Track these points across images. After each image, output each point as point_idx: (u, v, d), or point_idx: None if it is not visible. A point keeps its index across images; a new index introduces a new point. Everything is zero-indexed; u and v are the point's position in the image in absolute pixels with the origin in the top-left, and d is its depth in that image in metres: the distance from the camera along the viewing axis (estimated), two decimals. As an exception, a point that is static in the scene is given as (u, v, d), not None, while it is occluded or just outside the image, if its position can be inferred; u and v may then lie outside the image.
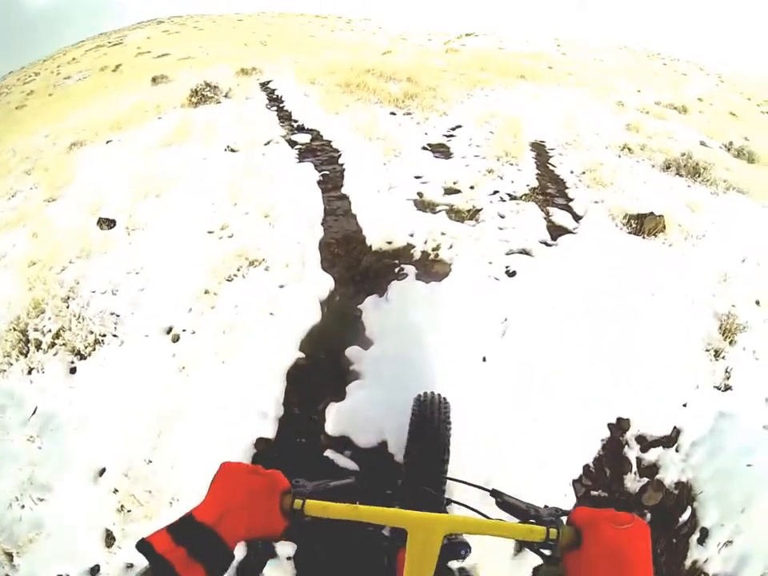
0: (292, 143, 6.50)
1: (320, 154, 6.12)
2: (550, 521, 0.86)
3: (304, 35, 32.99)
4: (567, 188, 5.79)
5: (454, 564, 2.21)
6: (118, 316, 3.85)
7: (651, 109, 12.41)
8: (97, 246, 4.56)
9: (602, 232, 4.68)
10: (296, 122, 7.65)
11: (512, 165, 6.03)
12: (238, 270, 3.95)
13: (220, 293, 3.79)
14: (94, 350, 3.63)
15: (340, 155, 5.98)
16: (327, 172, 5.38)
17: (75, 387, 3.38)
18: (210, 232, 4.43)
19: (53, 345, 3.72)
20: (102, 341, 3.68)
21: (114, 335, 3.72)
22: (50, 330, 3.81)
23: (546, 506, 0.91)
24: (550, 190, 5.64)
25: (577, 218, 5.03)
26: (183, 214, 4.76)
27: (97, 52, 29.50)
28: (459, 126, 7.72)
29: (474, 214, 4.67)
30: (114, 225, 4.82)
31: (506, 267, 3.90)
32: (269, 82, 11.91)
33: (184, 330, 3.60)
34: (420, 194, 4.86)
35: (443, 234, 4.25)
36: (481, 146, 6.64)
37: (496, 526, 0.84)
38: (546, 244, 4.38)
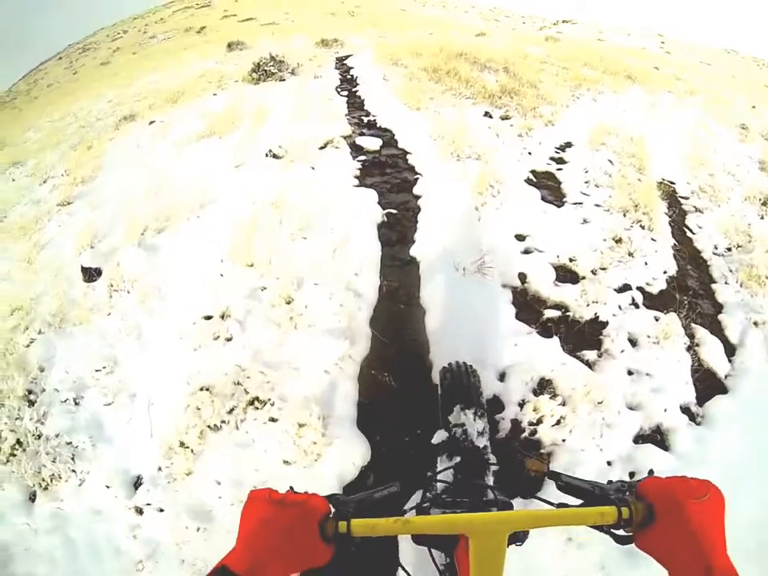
0: (355, 149, 4.80)
1: (390, 172, 4.41)
2: (618, 498, 0.76)
3: (394, 8, 30.74)
4: (714, 281, 3.91)
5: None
6: (75, 447, 2.49)
7: (776, 136, 9.70)
8: (73, 311, 3.14)
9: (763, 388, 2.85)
10: (367, 114, 5.92)
11: (643, 227, 4.12)
12: (231, 411, 2.41)
13: (200, 448, 2.28)
14: (50, 483, 2.35)
15: (416, 180, 4.26)
16: (395, 211, 3.74)
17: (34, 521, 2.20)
18: (206, 318, 2.88)
19: (7, 461, 2.47)
20: (60, 476, 2.36)
21: (73, 470, 2.40)
22: (5, 439, 2.54)
23: (609, 481, 0.83)
24: (692, 282, 3.80)
25: (731, 349, 3.24)
26: (179, 273, 3.23)
27: (184, 13, 28.70)
28: (569, 145, 5.73)
29: (595, 333, 2.92)
30: (98, 277, 3.38)
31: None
32: (347, 58, 10.22)
33: (148, 504, 2.14)
34: (523, 278, 3.15)
35: (549, 385, 2.54)
36: (600, 185, 4.70)
37: (563, 515, 0.76)
38: (693, 419, 2.72)
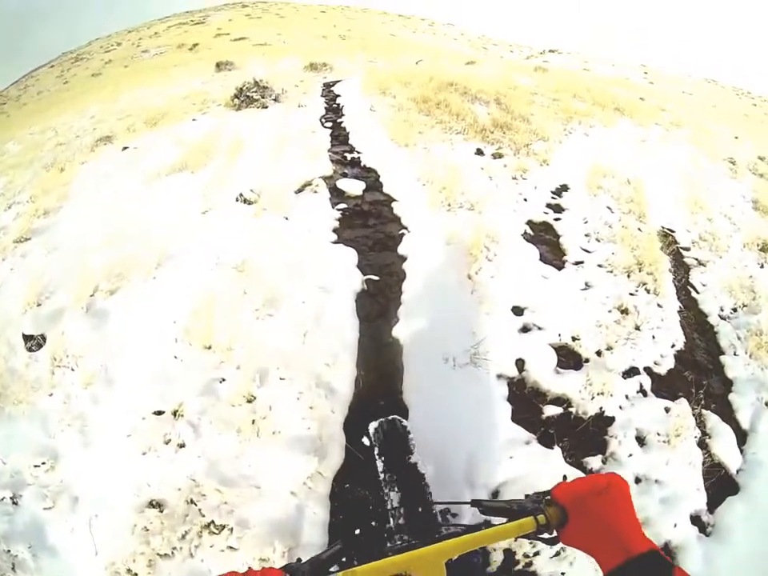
0: (336, 194, 4.33)
1: (372, 224, 3.94)
2: (534, 509, 0.84)
3: (385, 34, 30.70)
4: (722, 352, 3.56)
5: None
6: (14, 557, 1.98)
7: (762, 169, 9.52)
8: (13, 385, 2.61)
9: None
10: (351, 150, 5.46)
11: (648, 290, 3.74)
12: (184, 536, 1.91)
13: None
14: None
15: (402, 236, 3.80)
16: (376, 277, 3.23)
17: None
18: (157, 413, 2.38)
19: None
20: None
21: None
22: None
23: (526, 495, 0.91)
24: (700, 356, 3.45)
25: (742, 435, 2.90)
26: (129, 351, 2.71)
27: (179, 29, 28.28)
28: (566, 188, 5.35)
29: (601, 433, 2.50)
30: (41, 344, 2.84)
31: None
32: (334, 84, 9.84)
33: None
34: (521, 366, 2.72)
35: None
36: (602, 239, 4.32)
37: (489, 534, 0.82)
38: (703, 529, 2.36)
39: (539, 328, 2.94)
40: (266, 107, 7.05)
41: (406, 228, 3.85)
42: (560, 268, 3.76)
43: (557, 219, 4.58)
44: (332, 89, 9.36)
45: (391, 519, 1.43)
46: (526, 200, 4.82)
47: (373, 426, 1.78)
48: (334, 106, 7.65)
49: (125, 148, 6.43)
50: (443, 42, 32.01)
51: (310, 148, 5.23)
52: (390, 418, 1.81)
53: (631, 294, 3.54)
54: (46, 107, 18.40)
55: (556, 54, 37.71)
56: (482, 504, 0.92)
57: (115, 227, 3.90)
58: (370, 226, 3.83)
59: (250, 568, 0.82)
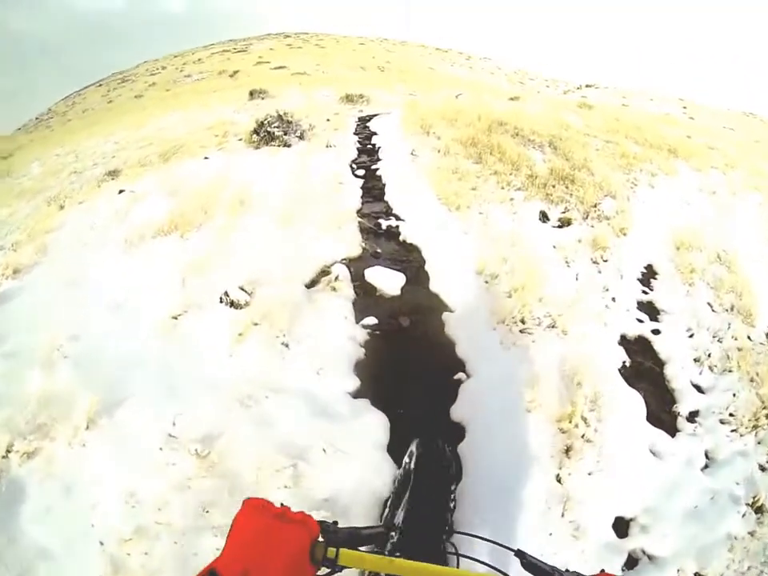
0: (363, 293, 2.96)
1: (416, 357, 2.50)
2: None
3: (423, 66, 29.74)
4: None
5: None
6: None
7: None
8: None
9: None
10: (387, 213, 4.10)
11: None
12: None
13: None
14: None
15: (458, 385, 2.38)
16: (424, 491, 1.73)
17: None
18: None
19: None
20: None
21: None
22: None
23: (567, 570, 0.81)
24: None
25: None
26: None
27: (222, 56, 27.92)
28: (654, 274, 3.96)
29: None
30: None
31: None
32: (370, 119, 8.58)
33: None
34: None
35: None
36: (715, 365, 3.00)
37: None
38: None
39: (650, 558, 1.84)
40: (289, 146, 5.76)
41: (464, 370, 2.40)
42: (674, 432, 2.50)
43: (655, 332, 3.22)
44: (368, 124, 8.09)
45: (394, 535, 1.22)
46: (614, 299, 3.39)
47: (417, 440, 1.54)
48: (369, 146, 6.33)
49: (121, 191, 5.20)
50: (481, 76, 30.88)
51: (334, 210, 3.86)
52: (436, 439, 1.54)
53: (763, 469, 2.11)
54: (86, 126, 17.86)
55: (593, 88, 36.17)
56: (526, 557, 0.82)
57: (64, 336, 2.59)
58: (412, 361, 2.37)
59: (286, 506, 0.74)
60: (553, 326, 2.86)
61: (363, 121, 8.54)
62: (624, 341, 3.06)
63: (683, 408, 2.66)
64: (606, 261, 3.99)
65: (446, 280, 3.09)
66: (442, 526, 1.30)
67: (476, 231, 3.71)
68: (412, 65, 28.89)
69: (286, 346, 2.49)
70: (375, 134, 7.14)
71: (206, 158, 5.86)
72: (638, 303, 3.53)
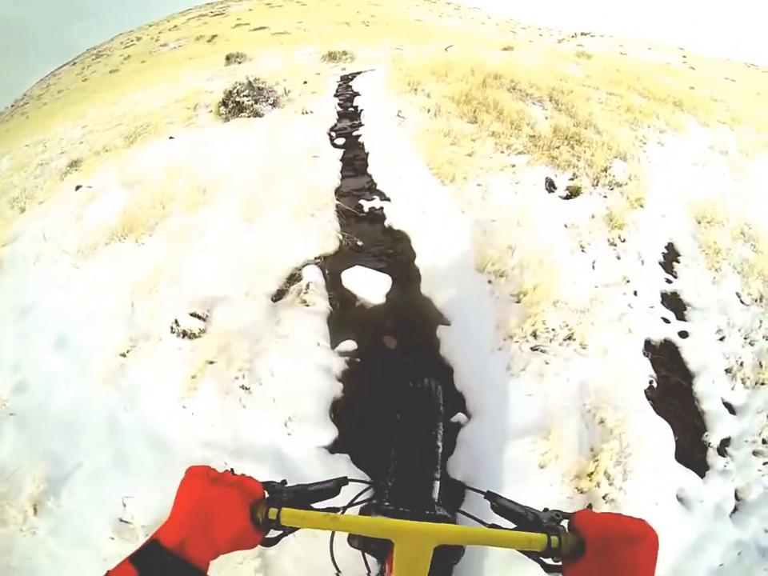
0: (341, 304, 2.37)
1: (402, 386, 1.92)
2: (550, 527, 0.69)
3: (411, 19, 27.91)
4: None
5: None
6: None
7: None
8: None
9: None
10: (370, 190, 3.45)
11: None
12: None
13: None
14: None
15: (457, 430, 1.95)
16: None
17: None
18: None
19: None
20: None
21: None
22: None
23: (545, 509, 0.74)
24: None
25: None
26: None
27: (198, 20, 26.17)
28: (677, 257, 3.46)
29: None
30: None
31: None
32: (353, 77, 7.77)
33: None
34: None
35: None
36: (747, 377, 2.56)
37: (492, 535, 0.68)
38: None
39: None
40: (261, 115, 5.05)
41: (464, 409, 1.89)
42: (703, 470, 2.06)
43: (683, 335, 2.73)
44: (350, 84, 7.28)
45: (387, 480, 1.17)
46: (636, 293, 2.86)
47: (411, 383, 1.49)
48: (351, 109, 5.59)
49: (78, 187, 4.55)
50: (471, 27, 29.06)
51: (308, 191, 3.22)
52: (425, 379, 1.48)
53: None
54: (59, 109, 16.80)
55: (589, 36, 34.24)
56: (497, 499, 0.75)
57: (11, 372, 2.11)
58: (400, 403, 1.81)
59: (231, 470, 0.72)
60: (570, 338, 2.32)
61: (345, 80, 7.72)
62: (649, 348, 2.56)
63: (714, 437, 2.23)
64: (623, 241, 3.41)
65: (441, 279, 2.51)
66: (430, 473, 1.21)
67: (475, 209, 3.09)
68: (399, 17, 27.09)
69: (247, 389, 1.96)
70: (358, 94, 6.37)
71: (170, 137, 5.16)
72: (662, 296, 3.01)
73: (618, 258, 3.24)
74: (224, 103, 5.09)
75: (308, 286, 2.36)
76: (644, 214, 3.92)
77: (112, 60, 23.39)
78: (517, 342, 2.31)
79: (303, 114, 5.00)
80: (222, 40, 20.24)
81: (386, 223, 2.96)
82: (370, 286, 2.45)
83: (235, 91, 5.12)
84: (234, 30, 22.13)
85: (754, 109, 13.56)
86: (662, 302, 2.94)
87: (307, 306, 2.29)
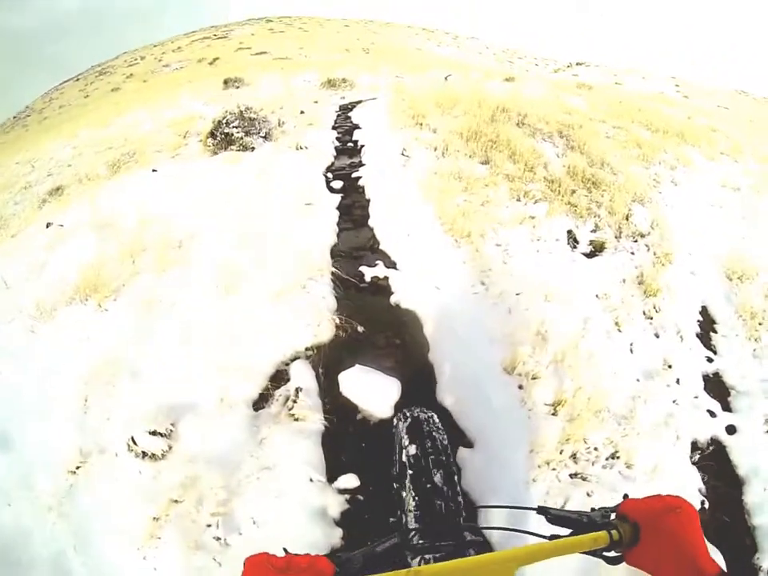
0: (335, 420, 1.82)
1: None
2: (605, 523, 0.71)
3: (410, 47, 27.93)
4: None
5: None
6: None
7: None
8: None
9: None
10: (371, 249, 2.89)
11: None
12: None
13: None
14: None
15: None
16: None
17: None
18: None
19: None
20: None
21: None
22: None
23: (593, 509, 0.77)
24: None
25: None
26: None
27: (202, 43, 26.01)
28: (713, 325, 3.07)
29: None
30: None
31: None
32: (353, 107, 7.33)
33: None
34: None
35: None
36: None
37: (561, 545, 0.67)
38: None
39: None
40: (251, 149, 4.52)
41: None
42: None
43: (730, 430, 2.31)
44: (350, 114, 6.82)
45: (405, 518, 1.15)
46: (679, 381, 2.45)
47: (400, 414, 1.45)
48: (350, 144, 5.09)
49: (48, 224, 4.00)
50: (469, 56, 29.13)
51: (298, 253, 2.66)
52: (420, 410, 1.45)
53: None
54: (56, 125, 16.35)
55: (583, 66, 34.50)
56: (550, 512, 0.75)
57: None
58: None
59: (285, 550, 0.65)
60: (614, 457, 1.80)
61: (345, 110, 7.27)
62: (696, 450, 2.11)
63: (766, 560, 1.80)
64: (659, 311, 2.90)
65: (461, 384, 1.94)
66: (456, 509, 1.16)
67: (496, 279, 2.54)
68: (398, 45, 27.08)
69: (223, 542, 1.40)
70: (358, 127, 5.89)
71: (153, 170, 4.62)
72: (705, 380, 2.56)
73: (657, 335, 2.75)
74: (212, 134, 4.57)
75: (297, 392, 1.80)
76: (674, 272, 3.48)
77: (114, 78, 23.06)
78: (554, 468, 1.77)
79: (298, 149, 4.48)
80: (224, 63, 19.97)
81: (392, 300, 2.40)
82: (374, 393, 1.87)
83: (225, 121, 4.60)
84: (235, 54, 21.92)
85: (751, 137, 13.29)
86: (706, 388, 2.51)
87: (297, 420, 1.72)
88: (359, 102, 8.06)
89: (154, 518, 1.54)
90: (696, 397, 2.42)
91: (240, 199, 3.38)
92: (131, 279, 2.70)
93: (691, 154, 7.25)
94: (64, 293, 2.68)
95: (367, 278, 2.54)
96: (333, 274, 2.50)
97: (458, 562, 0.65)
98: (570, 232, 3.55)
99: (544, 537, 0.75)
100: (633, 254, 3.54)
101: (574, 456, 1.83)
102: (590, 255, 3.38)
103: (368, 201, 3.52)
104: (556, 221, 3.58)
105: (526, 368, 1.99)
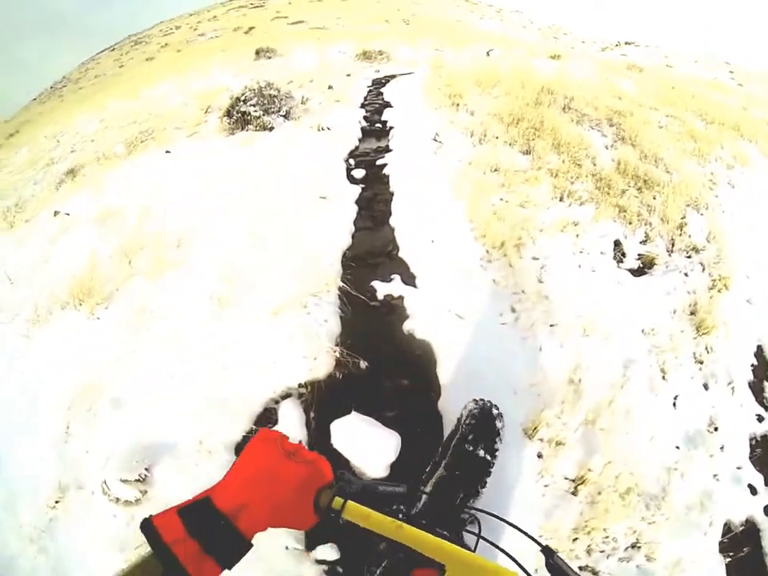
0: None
1: None
2: None
3: (451, 19, 26.54)
4: None
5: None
6: None
7: None
8: None
9: None
10: (389, 256, 2.47)
11: None
12: None
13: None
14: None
15: None
16: None
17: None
18: None
19: None
20: None
21: None
22: None
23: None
24: None
25: None
26: None
27: (238, 12, 25.34)
28: (766, 369, 2.60)
29: None
30: None
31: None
32: (387, 82, 6.82)
33: None
34: None
35: None
36: None
37: None
38: None
39: None
40: (271, 129, 4.12)
41: None
42: None
43: None
44: (382, 90, 6.31)
45: (419, 502, 1.14)
46: (723, 448, 2.08)
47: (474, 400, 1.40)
48: (378, 125, 4.62)
49: (56, 213, 3.78)
50: (512, 30, 27.54)
51: (306, 258, 2.27)
52: (484, 401, 1.39)
53: None
54: (90, 95, 16.25)
55: (633, 46, 32.23)
56: (553, 556, 0.67)
57: None
58: None
59: (300, 443, 0.64)
60: (635, 547, 1.49)
61: (377, 85, 6.75)
62: (727, 536, 1.72)
63: None
64: (710, 352, 2.43)
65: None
66: (469, 499, 1.15)
67: (529, 304, 2.10)
68: (439, 17, 25.74)
69: None
70: (389, 105, 5.39)
71: (167, 151, 4.29)
72: (751, 444, 2.14)
73: (706, 386, 2.31)
74: (228, 113, 4.18)
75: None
76: (730, 300, 2.98)
77: (150, 48, 22.78)
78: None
79: (319, 130, 4.05)
80: (260, 32, 19.40)
81: (406, 327, 2.00)
82: (369, 448, 1.52)
83: (243, 99, 4.19)
84: (271, 23, 21.26)
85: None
86: (752, 455, 2.11)
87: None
88: (393, 76, 7.53)
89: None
90: (739, 467, 2.03)
91: (249, 190, 3.00)
92: (126, 283, 2.42)
93: (748, 151, 6.53)
94: (59, 296, 2.45)
95: (380, 296, 2.15)
96: (340, 289, 2.12)
97: (438, 541, 0.60)
98: (617, 243, 3.05)
99: (524, 569, 0.67)
100: (686, 275, 3.04)
101: (588, 548, 1.45)
102: (638, 272, 2.90)
103: (392, 194, 3.09)
104: (602, 227, 3.10)
105: (550, 432, 1.60)
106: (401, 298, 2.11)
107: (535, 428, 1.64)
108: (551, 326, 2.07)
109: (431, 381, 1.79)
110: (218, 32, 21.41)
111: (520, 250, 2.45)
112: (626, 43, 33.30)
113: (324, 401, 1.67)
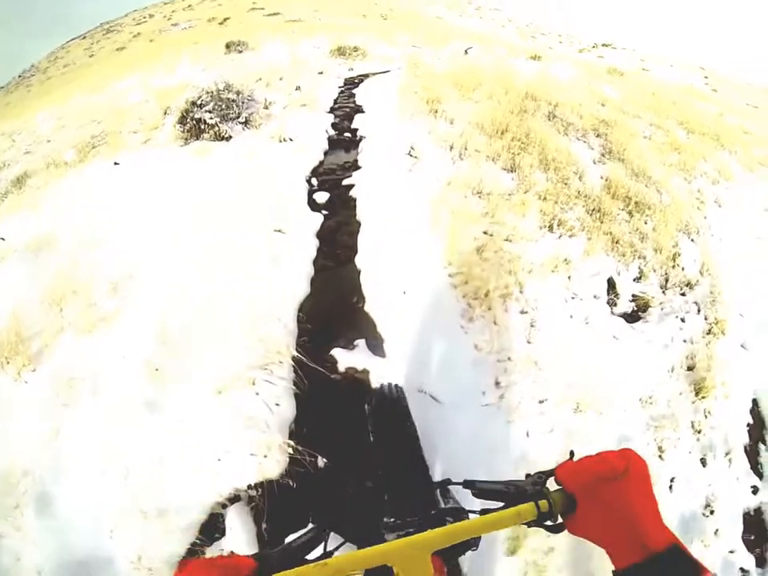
0: None
1: None
2: (534, 492, 0.63)
3: (430, 16, 25.98)
4: None
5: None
6: None
7: None
8: None
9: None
10: (352, 308, 2.03)
11: None
12: None
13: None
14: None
15: None
16: None
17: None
18: None
19: None
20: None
21: None
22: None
23: (528, 475, 0.68)
24: None
25: None
26: None
27: (213, 2, 24.25)
28: (762, 433, 2.45)
29: None
30: None
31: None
32: (360, 81, 6.35)
33: None
34: None
35: None
36: None
37: (482, 522, 0.60)
38: None
39: None
40: (227, 138, 3.61)
41: None
42: None
43: None
44: (354, 92, 5.84)
45: (383, 494, 1.06)
46: (717, 533, 1.91)
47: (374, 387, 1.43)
48: (347, 134, 4.16)
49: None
50: (491, 29, 27.16)
51: (255, 317, 1.82)
52: (385, 383, 1.36)
53: None
54: (57, 87, 15.22)
55: (610, 48, 32.30)
56: (475, 485, 0.71)
57: None
58: None
59: (219, 555, 0.63)
60: None
61: (350, 85, 6.27)
62: None
63: None
64: (707, 417, 2.16)
65: None
66: (423, 476, 1.11)
67: (515, 378, 1.71)
68: (417, 13, 25.16)
69: None
70: (360, 110, 4.93)
71: (115, 163, 3.74)
72: (745, 523, 1.96)
73: (703, 461, 2.00)
74: (182, 119, 3.65)
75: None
76: (726, 347, 2.70)
77: (121, 37, 21.58)
78: None
79: (281, 141, 3.56)
80: (235, 23, 18.57)
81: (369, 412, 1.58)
82: None
83: (198, 103, 3.67)
84: (247, 14, 20.38)
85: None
86: (744, 534, 1.93)
87: None
88: (368, 75, 7.04)
89: None
90: (732, 551, 1.87)
91: (198, 219, 2.51)
92: (54, 339, 1.94)
93: (730, 164, 6.40)
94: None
95: (341, 367, 1.72)
96: (295, 359, 1.68)
97: (367, 550, 0.59)
98: (610, 283, 2.69)
99: (475, 512, 0.65)
100: (682, 320, 2.71)
101: None
102: (632, 317, 2.55)
103: (359, 224, 2.64)
104: (594, 263, 2.74)
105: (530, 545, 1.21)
106: (365, 371, 1.69)
107: (516, 546, 1.25)
108: (540, 402, 1.68)
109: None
110: (191, 22, 20.43)
111: (506, 302, 2.05)
112: (602, 45, 33.32)
113: (277, 507, 1.28)
